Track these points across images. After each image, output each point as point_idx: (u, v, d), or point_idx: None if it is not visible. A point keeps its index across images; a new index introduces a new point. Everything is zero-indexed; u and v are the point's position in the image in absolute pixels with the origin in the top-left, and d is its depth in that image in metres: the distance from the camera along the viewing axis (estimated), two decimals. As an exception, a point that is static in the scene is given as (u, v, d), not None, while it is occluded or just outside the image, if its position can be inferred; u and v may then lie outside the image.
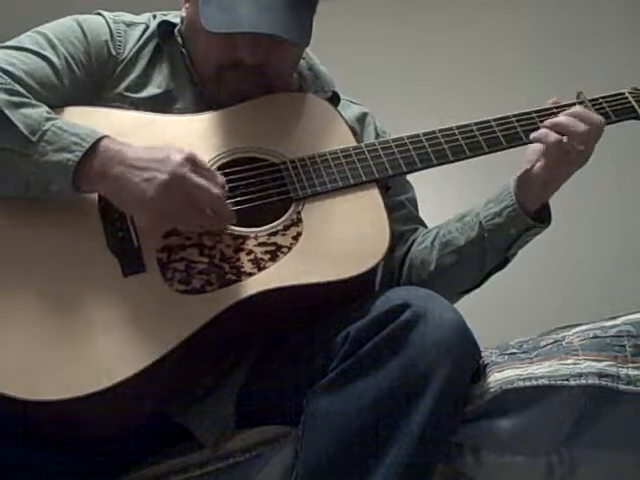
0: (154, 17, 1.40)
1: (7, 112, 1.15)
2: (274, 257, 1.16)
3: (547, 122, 1.27)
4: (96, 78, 1.31)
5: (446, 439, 1.12)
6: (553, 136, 1.25)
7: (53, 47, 1.28)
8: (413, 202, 1.50)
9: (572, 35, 3.16)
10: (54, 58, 1.27)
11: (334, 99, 1.42)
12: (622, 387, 1.12)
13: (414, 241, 1.43)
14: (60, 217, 1.18)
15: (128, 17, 1.39)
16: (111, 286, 1.13)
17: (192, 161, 1.13)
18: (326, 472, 1.06)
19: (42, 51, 1.27)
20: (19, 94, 1.19)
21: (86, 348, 1.08)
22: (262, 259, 1.16)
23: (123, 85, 1.32)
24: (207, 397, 1.21)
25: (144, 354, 1.07)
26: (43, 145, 1.14)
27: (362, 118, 1.47)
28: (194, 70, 1.35)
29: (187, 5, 1.37)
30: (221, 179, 1.16)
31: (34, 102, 1.19)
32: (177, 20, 1.39)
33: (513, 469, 1.12)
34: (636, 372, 1.13)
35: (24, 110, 1.16)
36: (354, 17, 3.19)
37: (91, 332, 1.09)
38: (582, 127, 1.25)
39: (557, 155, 1.25)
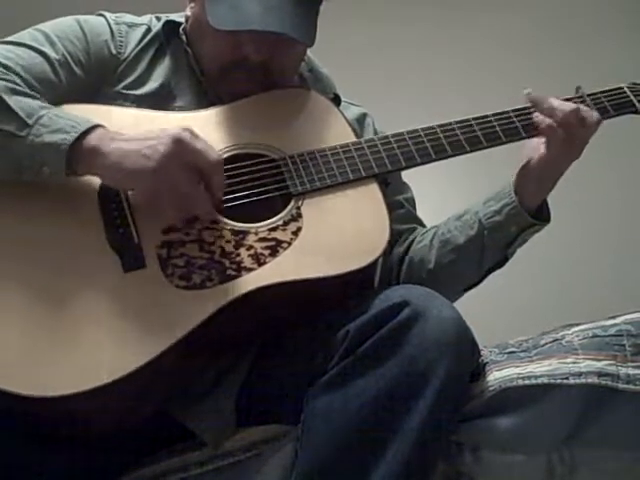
0: (157, 19, 1.41)
1: (4, 96, 1.16)
2: (274, 252, 1.16)
3: (554, 116, 1.27)
4: (95, 77, 1.31)
5: (446, 437, 1.12)
6: (557, 129, 1.26)
7: (52, 44, 1.29)
8: (411, 202, 1.50)
9: (571, 32, 3.16)
10: (52, 55, 1.28)
11: (335, 101, 1.42)
12: (622, 386, 1.12)
13: (413, 240, 1.43)
14: (59, 213, 1.18)
15: (129, 18, 1.40)
16: (111, 282, 1.13)
17: (190, 131, 1.14)
18: (326, 470, 1.06)
19: (40, 47, 1.28)
20: (16, 83, 1.19)
21: (86, 344, 1.08)
22: (262, 254, 1.16)
23: (123, 84, 1.32)
24: (207, 396, 1.21)
25: (144, 350, 1.07)
26: (38, 127, 1.14)
27: (361, 119, 1.48)
28: (198, 68, 1.35)
29: (192, 4, 1.38)
30: (217, 151, 1.17)
31: (31, 93, 1.20)
32: (182, 20, 1.39)
33: (513, 468, 1.12)
34: (636, 371, 1.13)
35: (20, 97, 1.17)
36: (353, 17, 3.18)
37: (91, 328, 1.09)
38: (578, 121, 1.26)
39: (555, 148, 1.26)
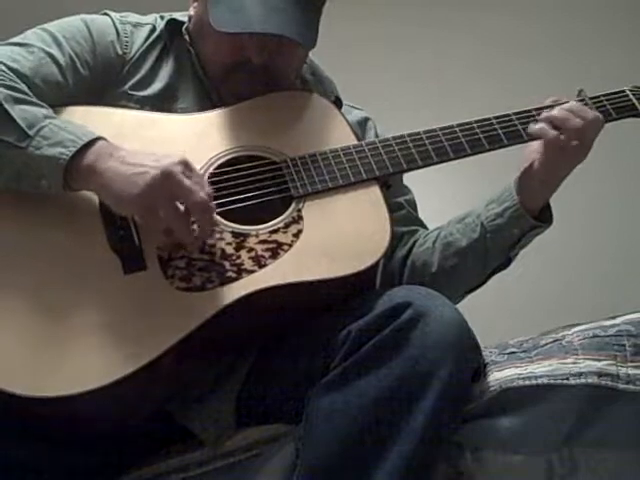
0: (161, 18, 1.41)
1: (6, 106, 1.15)
2: (275, 255, 1.16)
3: (542, 116, 1.27)
4: (101, 78, 1.31)
5: (447, 438, 1.11)
6: (549, 131, 1.26)
7: (59, 45, 1.29)
8: (412, 204, 1.50)
9: (574, 35, 3.16)
10: (59, 56, 1.28)
11: (337, 104, 1.42)
12: (621, 386, 1.12)
13: (415, 243, 1.43)
14: (61, 216, 1.18)
15: (135, 18, 1.40)
16: (112, 284, 1.13)
17: (185, 164, 1.13)
18: (328, 470, 1.06)
19: (47, 48, 1.27)
20: (21, 91, 1.19)
21: (86, 345, 1.08)
22: (263, 256, 1.16)
23: (129, 84, 1.32)
24: (208, 396, 1.21)
25: (144, 351, 1.07)
26: (39, 139, 1.14)
27: (363, 123, 1.48)
28: (201, 69, 1.35)
29: (195, 5, 1.37)
30: (209, 189, 1.15)
31: (35, 101, 1.19)
32: (185, 19, 1.39)
33: (513, 468, 1.12)
34: (636, 371, 1.13)
35: (24, 106, 1.17)
36: (353, 18, 3.18)
37: (92, 329, 1.09)
38: (576, 121, 1.25)
39: (554, 150, 1.26)
